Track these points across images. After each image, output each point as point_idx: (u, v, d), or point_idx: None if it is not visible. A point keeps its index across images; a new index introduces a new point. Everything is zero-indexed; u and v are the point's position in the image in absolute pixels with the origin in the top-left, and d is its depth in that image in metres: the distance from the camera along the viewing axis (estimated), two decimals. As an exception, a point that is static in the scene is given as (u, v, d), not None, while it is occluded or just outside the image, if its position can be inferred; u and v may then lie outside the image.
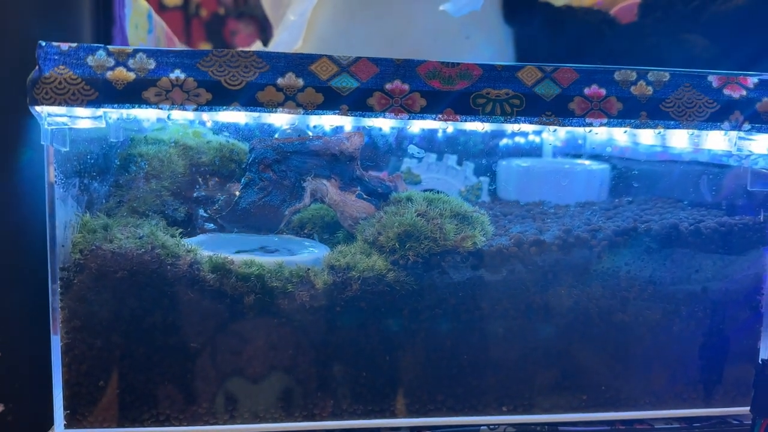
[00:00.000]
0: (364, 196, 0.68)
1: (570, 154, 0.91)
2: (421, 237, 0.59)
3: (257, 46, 1.06)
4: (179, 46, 1.11)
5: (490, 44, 0.99)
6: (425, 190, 0.86)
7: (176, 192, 0.69)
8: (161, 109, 0.53)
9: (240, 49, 0.54)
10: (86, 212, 0.59)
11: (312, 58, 0.55)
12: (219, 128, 0.71)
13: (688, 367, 0.62)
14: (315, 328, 0.58)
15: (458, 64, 0.56)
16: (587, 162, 0.86)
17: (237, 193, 0.66)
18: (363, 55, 0.55)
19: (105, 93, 0.52)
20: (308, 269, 0.58)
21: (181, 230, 0.64)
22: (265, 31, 1.95)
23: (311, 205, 0.67)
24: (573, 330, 0.61)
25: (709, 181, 0.70)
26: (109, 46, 0.53)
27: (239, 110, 0.54)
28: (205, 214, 0.69)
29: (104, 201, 0.62)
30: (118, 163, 0.65)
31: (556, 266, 0.60)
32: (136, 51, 0.53)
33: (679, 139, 0.69)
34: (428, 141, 0.77)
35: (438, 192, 0.67)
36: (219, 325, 0.56)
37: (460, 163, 0.88)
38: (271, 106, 0.54)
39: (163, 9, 1.85)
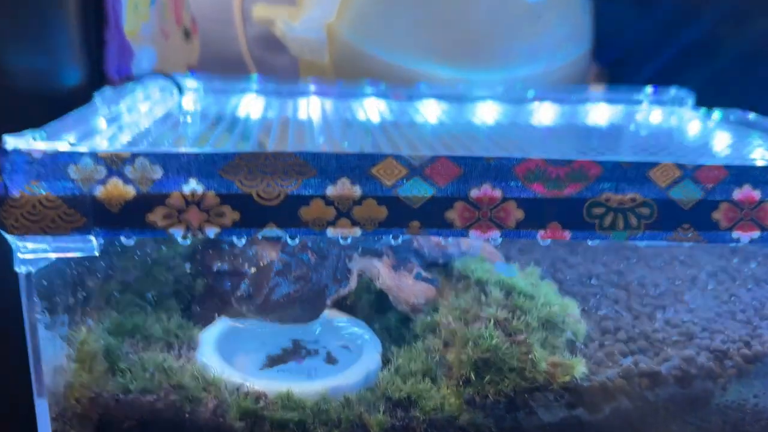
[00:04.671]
0: (423, 275, 0.56)
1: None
2: (504, 368, 0.46)
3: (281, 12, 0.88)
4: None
5: (565, 24, 0.82)
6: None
7: (191, 258, 0.56)
8: (173, 236, 0.39)
9: (275, 150, 0.40)
10: (80, 327, 0.47)
11: (374, 158, 0.40)
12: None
13: None
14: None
15: (571, 161, 0.42)
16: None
17: (265, 265, 0.54)
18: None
19: (95, 217, 0.38)
20: (361, 412, 0.46)
21: (199, 325, 0.52)
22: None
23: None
24: (683, 471, 0.50)
25: None
26: (98, 150, 0.38)
27: (276, 234, 0.40)
28: (226, 287, 0.57)
29: (102, 300, 0.50)
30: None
31: (670, 401, 0.48)
32: (135, 155, 0.39)
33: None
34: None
35: (511, 275, 0.54)
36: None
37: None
38: (319, 227, 0.40)
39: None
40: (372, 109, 0.73)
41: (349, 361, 0.52)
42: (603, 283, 0.60)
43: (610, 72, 0.91)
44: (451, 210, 0.41)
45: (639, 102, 0.81)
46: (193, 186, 0.39)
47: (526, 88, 0.79)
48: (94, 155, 0.38)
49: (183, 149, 0.39)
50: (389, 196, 0.41)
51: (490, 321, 0.49)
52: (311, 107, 0.74)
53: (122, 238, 0.39)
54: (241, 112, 0.71)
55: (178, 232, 0.39)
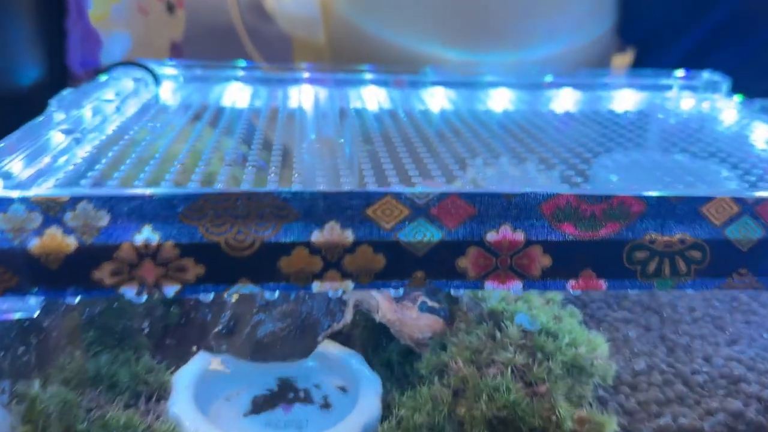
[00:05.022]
0: (429, 304, 0.49)
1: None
2: (524, 428, 0.40)
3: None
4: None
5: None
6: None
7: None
8: (123, 295, 0.32)
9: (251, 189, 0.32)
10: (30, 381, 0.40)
11: (369, 197, 0.33)
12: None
13: None
14: None
15: (609, 197, 0.34)
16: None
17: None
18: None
19: (30, 276, 0.31)
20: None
21: (172, 367, 0.46)
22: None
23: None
24: None
25: None
26: (31, 193, 0.31)
27: (251, 290, 0.33)
28: (203, 318, 0.50)
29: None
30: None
31: (715, 460, 0.42)
32: (76, 199, 0.31)
33: None
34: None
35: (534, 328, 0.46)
36: None
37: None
38: (303, 281, 0.33)
39: None
40: (371, 98, 0.66)
41: (345, 407, 0.45)
42: (632, 304, 0.53)
43: (636, 51, 0.83)
44: (463, 257, 0.34)
45: (668, 87, 0.73)
46: (146, 235, 0.32)
47: (543, 71, 0.72)
48: (27, 201, 0.31)
49: (134, 190, 0.32)
50: (388, 242, 0.33)
51: (507, 367, 0.42)
52: (303, 96, 0.66)
53: (67, 298, 0.32)
54: (226, 103, 0.63)
55: (130, 291, 0.32)
